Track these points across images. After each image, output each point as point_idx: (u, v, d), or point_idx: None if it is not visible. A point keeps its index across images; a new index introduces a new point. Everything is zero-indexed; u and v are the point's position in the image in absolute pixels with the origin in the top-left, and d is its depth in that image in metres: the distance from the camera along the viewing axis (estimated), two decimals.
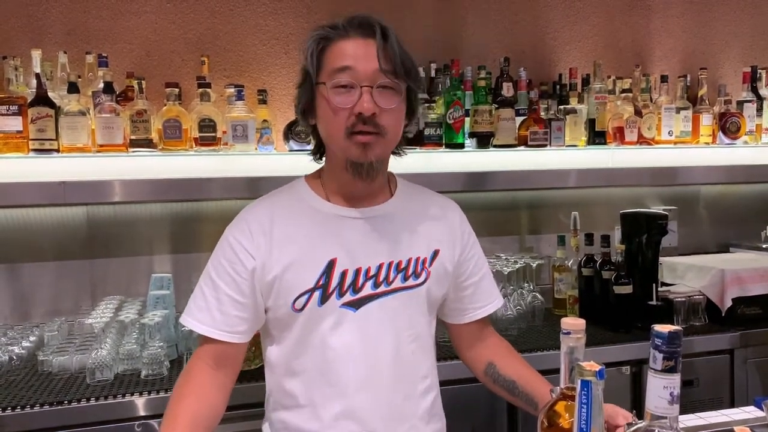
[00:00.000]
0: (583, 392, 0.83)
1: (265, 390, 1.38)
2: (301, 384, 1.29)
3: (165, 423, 1.20)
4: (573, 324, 0.97)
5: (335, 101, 1.22)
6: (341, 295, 1.27)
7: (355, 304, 1.28)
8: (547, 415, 1.01)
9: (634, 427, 0.90)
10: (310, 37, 1.27)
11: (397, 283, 1.30)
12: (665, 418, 0.87)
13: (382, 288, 1.29)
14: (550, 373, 1.98)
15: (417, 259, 1.33)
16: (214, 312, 1.26)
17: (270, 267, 1.26)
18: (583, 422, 0.83)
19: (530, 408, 1.35)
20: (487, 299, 1.46)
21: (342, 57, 1.23)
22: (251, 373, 1.84)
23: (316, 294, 1.26)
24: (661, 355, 0.85)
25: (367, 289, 1.28)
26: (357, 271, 1.28)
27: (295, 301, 1.26)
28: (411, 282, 1.32)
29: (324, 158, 1.37)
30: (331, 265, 1.27)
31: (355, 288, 1.28)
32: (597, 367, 0.83)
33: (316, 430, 1.27)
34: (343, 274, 1.27)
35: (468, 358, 1.49)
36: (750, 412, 1.43)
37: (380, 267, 1.29)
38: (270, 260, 1.26)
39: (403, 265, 1.31)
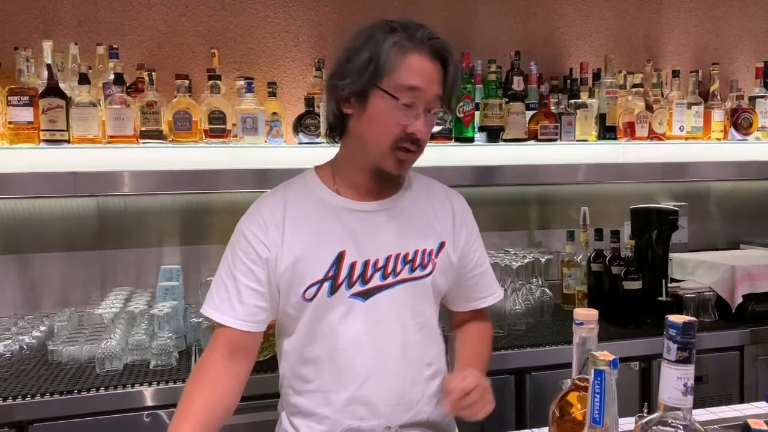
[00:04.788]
0: (596, 382, 0.83)
1: (279, 377, 1.41)
2: (312, 370, 1.32)
3: (178, 412, 1.21)
4: (586, 314, 0.96)
5: (397, 117, 1.24)
6: (350, 286, 1.30)
7: (364, 295, 1.30)
8: (558, 405, 1.01)
9: (647, 419, 0.89)
10: (387, 35, 1.23)
11: (405, 274, 1.33)
12: (679, 409, 0.86)
13: (390, 279, 1.32)
14: (558, 367, 2.00)
15: (424, 251, 1.36)
16: (234, 303, 1.29)
17: (282, 258, 1.29)
18: (596, 412, 0.83)
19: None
20: (490, 290, 1.51)
21: (414, 75, 1.24)
22: (262, 363, 1.85)
23: (326, 285, 1.29)
24: (676, 345, 0.84)
25: (376, 280, 1.31)
26: (366, 263, 1.31)
27: (305, 291, 1.29)
28: (418, 273, 1.34)
29: (340, 147, 1.38)
30: (340, 257, 1.30)
31: (363, 279, 1.30)
32: (610, 357, 0.83)
33: (327, 414, 1.31)
34: (352, 266, 1.30)
35: (453, 333, 1.54)
36: (761, 407, 1.43)
37: (388, 259, 1.32)
38: (282, 251, 1.29)
39: (410, 257, 1.34)
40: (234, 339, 1.29)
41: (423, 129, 1.26)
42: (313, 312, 1.30)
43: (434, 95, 1.26)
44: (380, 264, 1.31)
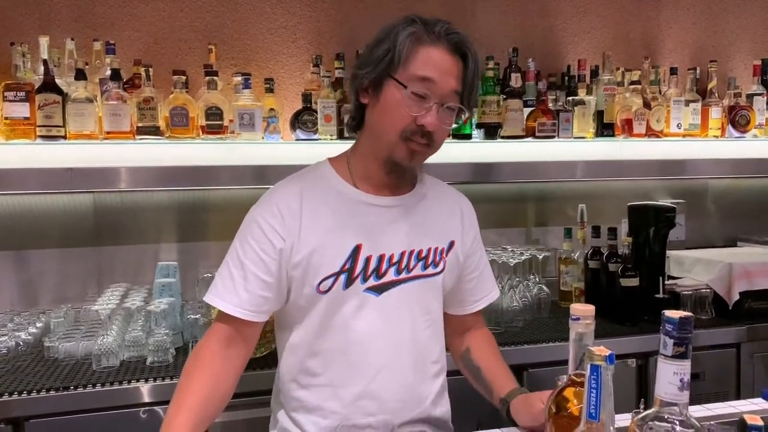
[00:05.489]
0: (592, 377, 0.82)
1: (276, 374, 1.40)
2: (321, 364, 1.32)
3: (173, 404, 1.21)
4: (582, 310, 0.96)
5: (407, 107, 1.24)
6: (365, 279, 1.30)
7: (378, 289, 1.31)
8: (555, 401, 1.01)
9: (643, 414, 0.89)
10: (405, 27, 1.26)
11: (417, 270, 1.34)
12: (675, 404, 0.86)
13: (404, 275, 1.33)
14: (555, 364, 2.00)
15: (435, 249, 1.37)
16: (240, 291, 1.27)
17: (298, 249, 1.28)
18: (593, 407, 0.82)
19: (487, 395, 1.43)
20: (484, 293, 1.51)
21: (428, 66, 1.24)
22: (258, 360, 1.85)
23: (342, 277, 1.29)
24: (672, 340, 0.84)
25: (390, 275, 1.32)
26: (380, 258, 1.31)
27: (320, 283, 1.28)
28: (430, 270, 1.36)
29: (357, 139, 1.39)
30: (356, 250, 1.30)
31: (378, 274, 1.31)
32: (607, 352, 0.83)
33: (335, 409, 1.30)
34: (368, 260, 1.30)
35: (451, 343, 1.54)
36: (757, 403, 1.42)
37: (402, 254, 1.33)
38: (299, 242, 1.28)
39: (423, 254, 1.35)
40: (234, 327, 1.28)
41: (434, 122, 1.25)
42: (327, 304, 1.29)
43: (450, 89, 1.26)
44: (395, 259, 1.32)
